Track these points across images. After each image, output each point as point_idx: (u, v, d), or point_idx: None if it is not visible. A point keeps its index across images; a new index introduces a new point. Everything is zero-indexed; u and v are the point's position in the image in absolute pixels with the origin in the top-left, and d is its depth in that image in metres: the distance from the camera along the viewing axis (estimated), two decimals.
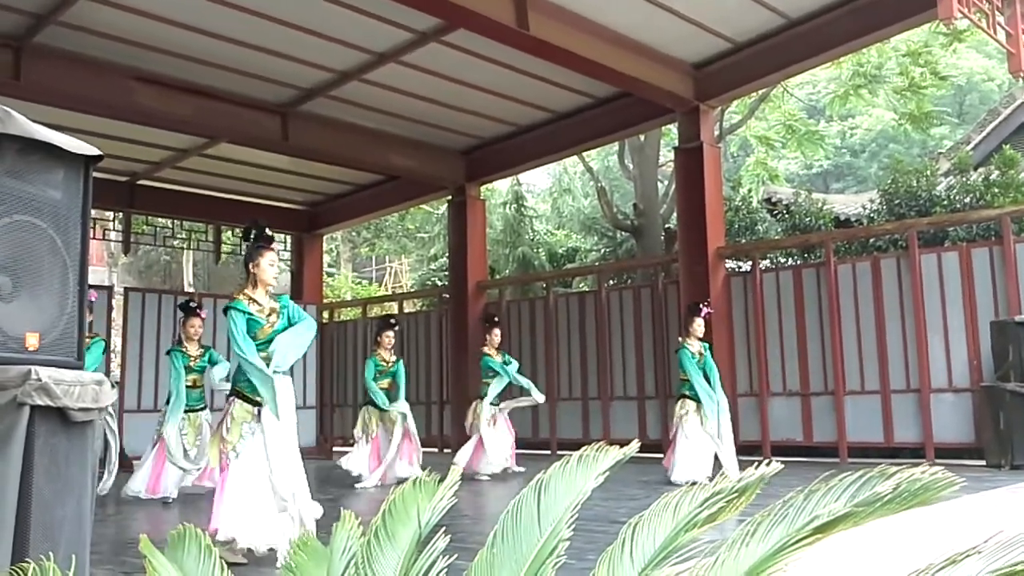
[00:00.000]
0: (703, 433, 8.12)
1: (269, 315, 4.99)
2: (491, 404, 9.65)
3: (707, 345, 8.60)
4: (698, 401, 8.24)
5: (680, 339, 8.68)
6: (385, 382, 9.21)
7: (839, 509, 0.98)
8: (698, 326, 8.56)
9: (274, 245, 5.23)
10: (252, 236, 5.11)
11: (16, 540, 2.05)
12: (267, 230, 5.09)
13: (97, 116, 10.64)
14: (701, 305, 8.83)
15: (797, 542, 0.97)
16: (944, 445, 9.32)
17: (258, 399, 4.80)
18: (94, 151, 2.57)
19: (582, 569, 1.13)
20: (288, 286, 17.00)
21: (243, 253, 5.31)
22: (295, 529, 4.42)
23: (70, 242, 2.48)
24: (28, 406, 2.11)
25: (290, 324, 5.05)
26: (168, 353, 8.40)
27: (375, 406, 9.11)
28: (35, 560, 1.98)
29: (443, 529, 1.33)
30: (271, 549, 4.64)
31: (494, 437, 9.54)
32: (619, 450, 1.34)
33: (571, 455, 1.40)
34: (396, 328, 9.61)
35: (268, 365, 4.79)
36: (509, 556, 1.20)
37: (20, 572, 1.30)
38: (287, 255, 16.39)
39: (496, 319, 10.42)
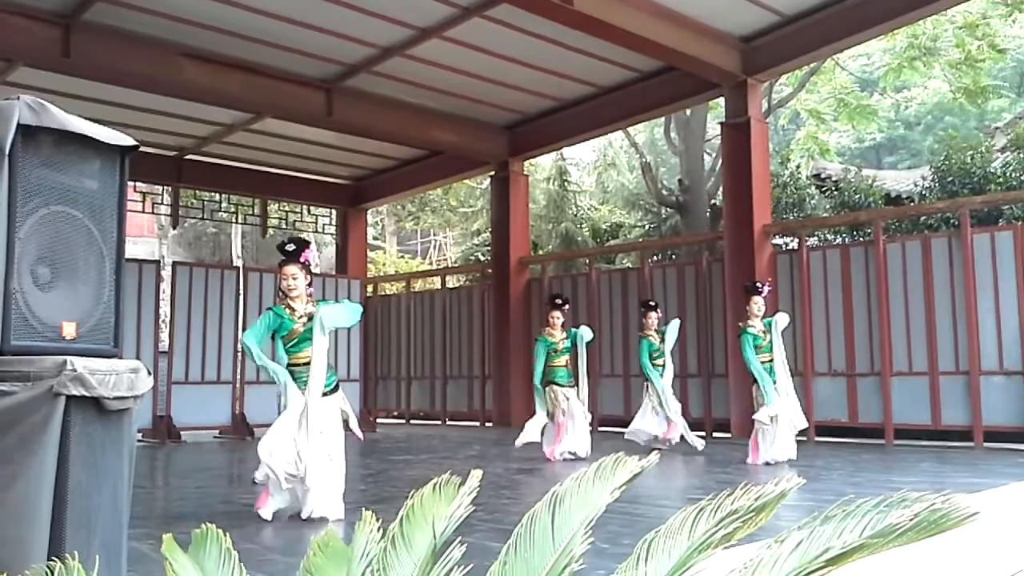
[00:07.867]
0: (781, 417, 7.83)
1: (301, 317, 5.25)
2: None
3: (769, 322, 8.13)
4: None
5: (741, 324, 8.22)
6: (562, 359, 8.65)
7: (853, 541, 0.96)
8: (756, 306, 8.12)
9: (302, 259, 5.34)
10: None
11: (53, 528, 2.10)
12: (287, 247, 5.35)
13: (145, 92, 10.78)
14: (759, 284, 8.39)
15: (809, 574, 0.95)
16: (993, 428, 9.14)
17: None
18: (130, 142, 2.58)
19: None
20: (333, 260, 17.15)
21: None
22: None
23: (106, 232, 2.50)
24: (64, 396, 2.14)
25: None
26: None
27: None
28: (71, 548, 2.03)
29: (459, 539, 1.34)
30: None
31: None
32: (637, 462, 1.33)
33: (599, 466, 1.37)
34: (562, 307, 8.81)
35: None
36: (521, 570, 1.20)
37: (48, 571, 1.33)
38: (332, 229, 16.54)
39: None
